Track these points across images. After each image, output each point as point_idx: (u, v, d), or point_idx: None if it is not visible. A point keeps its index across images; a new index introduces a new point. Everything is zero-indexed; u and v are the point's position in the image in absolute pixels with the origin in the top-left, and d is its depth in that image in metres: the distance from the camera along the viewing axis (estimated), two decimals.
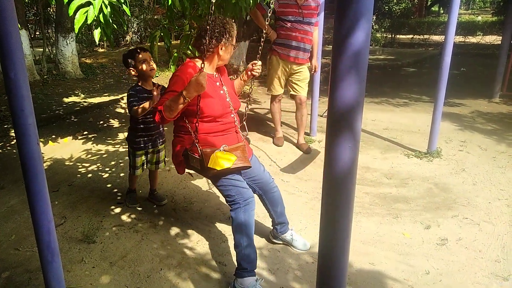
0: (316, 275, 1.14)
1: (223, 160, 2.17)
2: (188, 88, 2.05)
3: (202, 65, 2.04)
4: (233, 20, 2.37)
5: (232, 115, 2.42)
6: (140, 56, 2.80)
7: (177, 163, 2.43)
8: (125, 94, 6.66)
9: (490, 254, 2.57)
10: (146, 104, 2.75)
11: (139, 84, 2.90)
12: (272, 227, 2.72)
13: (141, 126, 2.96)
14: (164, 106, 2.14)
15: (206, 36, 2.13)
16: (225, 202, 3.17)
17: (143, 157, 3.09)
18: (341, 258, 1.09)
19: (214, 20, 2.28)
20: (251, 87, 2.60)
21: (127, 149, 3.13)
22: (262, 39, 2.32)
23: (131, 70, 2.85)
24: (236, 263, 2.31)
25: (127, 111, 2.92)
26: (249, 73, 2.48)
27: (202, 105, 2.19)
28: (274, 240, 2.73)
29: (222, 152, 2.20)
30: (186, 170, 2.44)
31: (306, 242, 2.69)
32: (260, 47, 2.33)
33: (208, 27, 2.05)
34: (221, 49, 2.31)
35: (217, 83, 2.40)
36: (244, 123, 2.43)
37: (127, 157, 4.14)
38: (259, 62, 2.43)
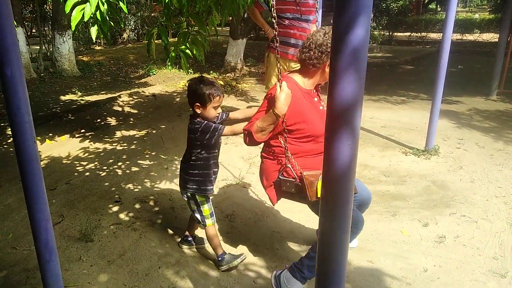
0: (316, 271, 1.14)
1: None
2: (277, 103, 1.91)
3: (279, 74, 1.93)
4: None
5: None
6: (220, 100, 2.28)
7: (270, 190, 2.21)
8: (122, 92, 6.69)
9: (487, 252, 2.58)
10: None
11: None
12: None
13: (212, 161, 2.41)
14: (255, 127, 2.00)
15: (317, 49, 2.00)
16: (222, 200, 3.17)
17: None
18: (340, 256, 1.09)
19: (328, 33, 2.09)
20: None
21: (191, 201, 2.44)
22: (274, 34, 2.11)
23: (197, 108, 2.26)
24: (293, 261, 2.20)
25: (203, 141, 2.29)
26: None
27: (302, 122, 2.04)
28: None
29: None
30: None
31: (355, 240, 2.53)
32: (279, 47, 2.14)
33: (321, 40, 1.92)
34: (328, 66, 2.15)
35: (315, 99, 2.22)
36: None
37: (124, 156, 4.15)
38: None
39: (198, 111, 2.26)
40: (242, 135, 2.14)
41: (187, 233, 2.67)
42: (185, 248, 2.66)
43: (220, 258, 2.42)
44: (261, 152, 2.30)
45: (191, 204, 2.44)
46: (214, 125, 2.26)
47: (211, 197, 2.52)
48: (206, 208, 2.42)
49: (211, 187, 2.43)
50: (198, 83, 2.25)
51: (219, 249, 2.45)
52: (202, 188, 2.39)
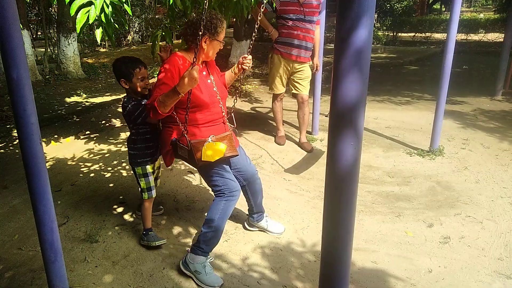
0: (319, 273, 1.14)
1: (212, 151, 2.21)
2: (181, 83, 2.05)
3: (194, 59, 2.03)
4: (219, 16, 2.35)
5: (220, 105, 2.42)
6: (141, 71, 2.48)
7: (165, 153, 2.47)
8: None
9: (493, 252, 2.56)
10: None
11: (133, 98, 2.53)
12: (248, 216, 2.85)
13: (148, 135, 2.57)
14: (158, 102, 2.14)
15: (190, 28, 2.18)
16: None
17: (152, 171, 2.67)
18: (344, 257, 1.09)
19: (203, 14, 2.26)
20: (240, 80, 2.72)
21: (135, 173, 2.65)
22: (254, 34, 2.32)
23: (123, 83, 2.48)
24: (195, 240, 2.43)
25: (132, 122, 2.51)
26: (239, 66, 2.53)
27: (191, 96, 2.20)
28: (250, 228, 2.86)
29: (211, 143, 2.23)
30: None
31: (280, 225, 2.86)
32: (250, 42, 2.38)
33: (197, 20, 2.07)
34: (204, 42, 2.30)
35: (204, 73, 2.41)
36: (232, 114, 2.48)
37: None
38: (249, 56, 2.48)
39: (126, 86, 2.50)
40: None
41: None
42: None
43: (144, 232, 2.65)
44: (160, 122, 2.53)
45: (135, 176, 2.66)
46: (139, 106, 2.47)
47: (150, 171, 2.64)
48: (143, 182, 2.62)
49: (147, 159, 2.61)
50: (119, 61, 2.51)
51: (148, 223, 2.66)
52: (138, 161, 2.59)
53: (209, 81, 2.42)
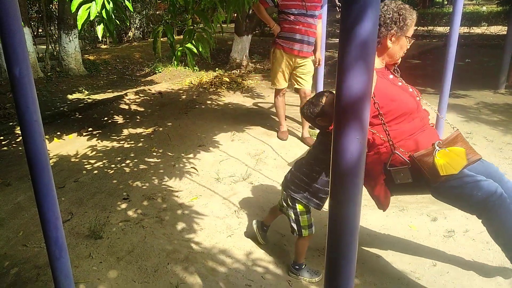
0: (324, 268, 1.14)
1: (449, 159, 1.66)
2: None
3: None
4: (407, 7, 1.92)
5: (423, 107, 2.02)
6: (329, 98, 2.10)
7: (377, 191, 1.96)
8: (129, 90, 6.71)
9: (497, 246, 2.54)
10: None
11: None
12: None
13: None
14: None
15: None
16: (230, 196, 3.17)
17: None
18: (349, 251, 1.08)
19: (389, 4, 1.85)
20: None
21: (295, 210, 2.28)
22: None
23: (320, 121, 2.13)
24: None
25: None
26: None
27: (390, 102, 1.81)
28: None
29: (444, 150, 1.69)
30: (393, 197, 1.95)
31: None
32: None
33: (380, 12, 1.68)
34: (391, 39, 1.88)
35: (390, 76, 2.03)
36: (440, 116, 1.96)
37: (132, 153, 4.17)
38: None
39: (324, 123, 2.12)
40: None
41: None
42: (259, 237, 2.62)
43: (297, 267, 2.36)
44: None
45: (291, 210, 2.31)
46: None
47: None
48: (306, 219, 2.30)
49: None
50: (307, 107, 2.15)
51: (301, 258, 2.37)
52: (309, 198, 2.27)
53: (400, 83, 2.01)
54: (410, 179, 1.78)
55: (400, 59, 2.02)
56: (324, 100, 2.10)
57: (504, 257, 2.43)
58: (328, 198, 2.14)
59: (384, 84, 1.90)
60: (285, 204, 2.35)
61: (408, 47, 1.97)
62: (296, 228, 2.30)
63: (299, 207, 2.27)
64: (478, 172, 1.91)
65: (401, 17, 1.82)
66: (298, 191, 2.25)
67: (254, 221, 2.68)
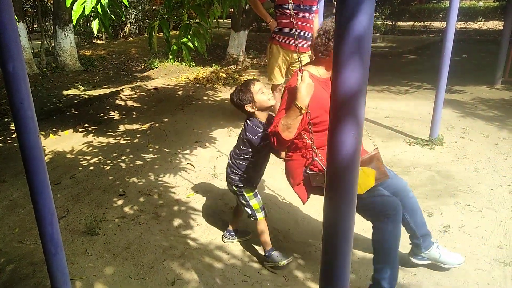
0: (320, 263, 1.14)
1: (360, 179, 1.73)
2: (298, 95, 1.83)
3: (300, 64, 1.85)
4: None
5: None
6: (256, 86, 2.28)
7: (298, 187, 2.14)
8: (125, 86, 6.68)
9: (492, 241, 2.57)
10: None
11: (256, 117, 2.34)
12: (411, 244, 2.29)
13: (263, 159, 2.43)
14: (280, 126, 1.92)
15: (324, 36, 1.93)
16: (226, 192, 3.16)
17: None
18: (345, 247, 1.09)
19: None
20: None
21: (238, 196, 2.44)
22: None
23: (249, 107, 2.28)
24: (370, 279, 2.13)
25: (252, 145, 2.31)
26: None
27: (325, 113, 1.85)
28: (417, 262, 2.29)
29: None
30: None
31: (458, 255, 2.28)
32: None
33: (329, 26, 1.83)
34: None
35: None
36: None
37: (128, 149, 4.16)
38: None
39: (253, 109, 2.29)
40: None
41: (230, 227, 2.66)
42: (228, 242, 2.64)
43: (267, 254, 2.39)
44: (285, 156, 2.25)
45: (240, 198, 2.44)
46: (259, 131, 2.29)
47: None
48: (255, 202, 2.42)
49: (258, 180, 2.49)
50: (233, 93, 2.34)
51: (269, 244, 2.41)
52: (247, 183, 2.41)
53: None
54: (323, 184, 1.92)
55: None
56: (251, 87, 2.26)
57: (499, 252, 2.45)
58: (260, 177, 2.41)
59: (322, 95, 2.00)
60: (233, 194, 2.49)
61: None
62: (250, 213, 2.42)
63: (245, 192, 2.41)
64: (386, 186, 2.12)
65: None
66: (238, 178, 2.39)
67: (222, 237, 2.69)
